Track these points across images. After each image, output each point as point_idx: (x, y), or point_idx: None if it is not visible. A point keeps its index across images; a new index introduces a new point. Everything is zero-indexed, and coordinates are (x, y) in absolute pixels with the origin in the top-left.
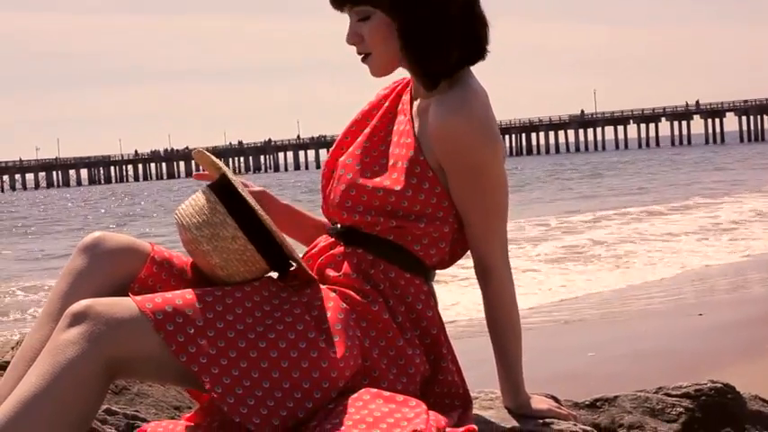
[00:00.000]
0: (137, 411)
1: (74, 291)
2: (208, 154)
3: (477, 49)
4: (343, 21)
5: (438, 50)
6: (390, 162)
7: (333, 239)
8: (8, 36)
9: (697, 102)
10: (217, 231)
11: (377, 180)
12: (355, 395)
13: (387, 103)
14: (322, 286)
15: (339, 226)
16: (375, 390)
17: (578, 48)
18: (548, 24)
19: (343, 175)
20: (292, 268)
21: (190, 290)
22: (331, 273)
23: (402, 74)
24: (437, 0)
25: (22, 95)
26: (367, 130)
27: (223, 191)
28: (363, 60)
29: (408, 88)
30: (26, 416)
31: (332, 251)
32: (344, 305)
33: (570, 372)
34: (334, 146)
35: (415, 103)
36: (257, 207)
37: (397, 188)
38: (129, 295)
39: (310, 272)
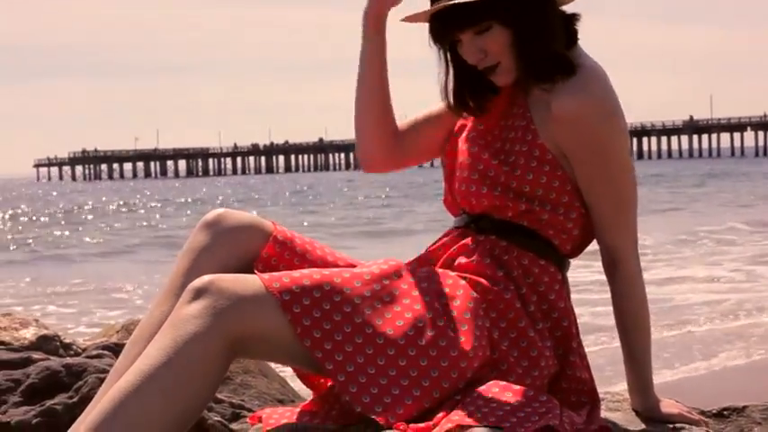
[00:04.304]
0: (242, 401)
1: (195, 267)
2: None
3: (569, 33)
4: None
5: (549, 47)
6: (507, 146)
7: (461, 229)
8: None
9: None
10: None
11: (497, 163)
12: (484, 387)
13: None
14: (452, 273)
15: (467, 216)
16: (504, 382)
17: (693, 50)
18: (661, 26)
19: (470, 163)
20: None
21: (317, 270)
22: (462, 260)
23: None
24: (537, 1)
25: (124, 83)
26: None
27: None
28: (488, 74)
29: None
30: (146, 386)
31: (463, 240)
32: (474, 294)
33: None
34: (451, 139)
35: (532, 95)
36: None
37: (517, 172)
38: (254, 272)
39: None
